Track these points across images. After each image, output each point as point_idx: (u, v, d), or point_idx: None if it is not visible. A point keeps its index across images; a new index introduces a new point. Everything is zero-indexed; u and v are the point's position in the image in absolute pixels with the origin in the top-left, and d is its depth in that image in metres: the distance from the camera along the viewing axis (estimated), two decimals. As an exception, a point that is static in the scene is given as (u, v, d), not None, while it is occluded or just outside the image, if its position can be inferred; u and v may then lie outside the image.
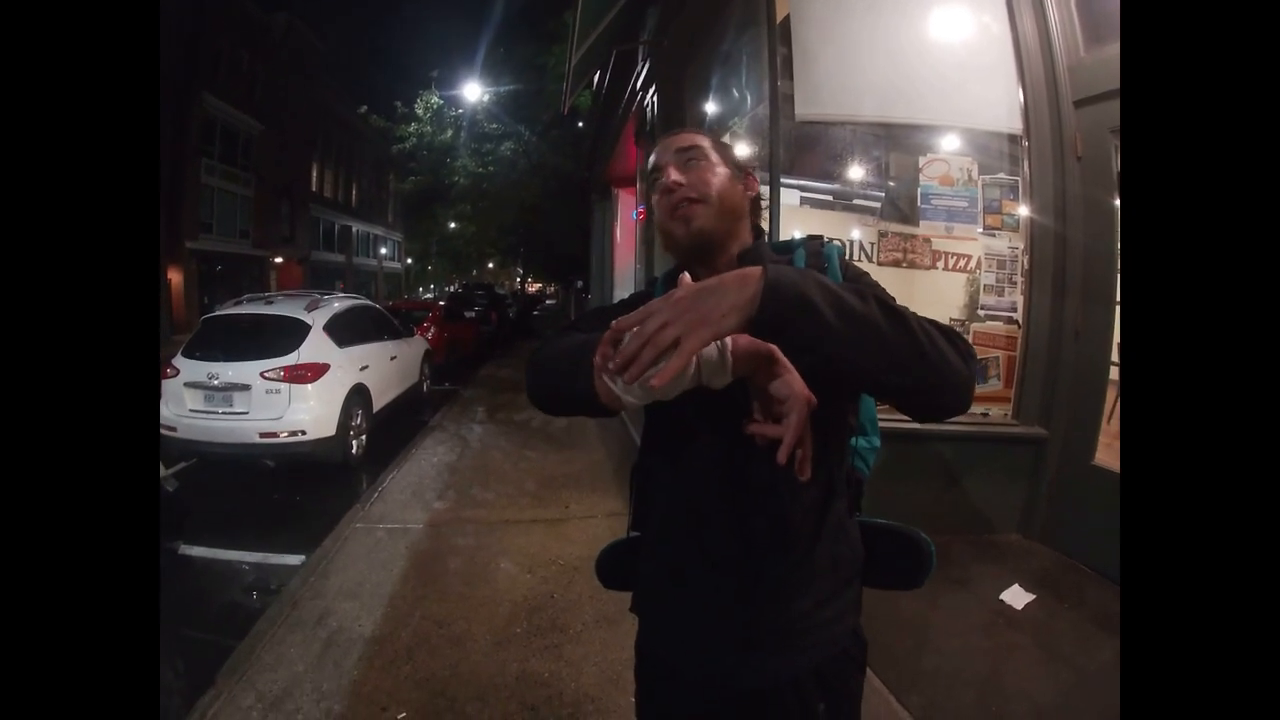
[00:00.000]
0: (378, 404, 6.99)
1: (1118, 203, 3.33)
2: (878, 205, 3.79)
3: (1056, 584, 3.15)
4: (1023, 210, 3.67)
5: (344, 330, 6.51)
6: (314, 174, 34.27)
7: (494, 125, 20.56)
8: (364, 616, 3.17)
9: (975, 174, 3.68)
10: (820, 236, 1.21)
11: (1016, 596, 3.01)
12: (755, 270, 0.83)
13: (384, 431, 7.02)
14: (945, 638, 2.74)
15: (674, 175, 1.10)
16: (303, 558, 3.99)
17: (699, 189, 1.08)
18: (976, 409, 3.71)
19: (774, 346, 0.83)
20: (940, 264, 3.70)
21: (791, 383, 0.84)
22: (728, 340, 0.82)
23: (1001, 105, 3.66)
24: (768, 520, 1.06)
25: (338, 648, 2.90)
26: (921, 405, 0.93)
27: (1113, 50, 3.29)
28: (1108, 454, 3.43)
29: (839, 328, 0.82)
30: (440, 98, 21.63)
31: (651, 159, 1.15)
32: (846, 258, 1.20)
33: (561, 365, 0.97)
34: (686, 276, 0.86)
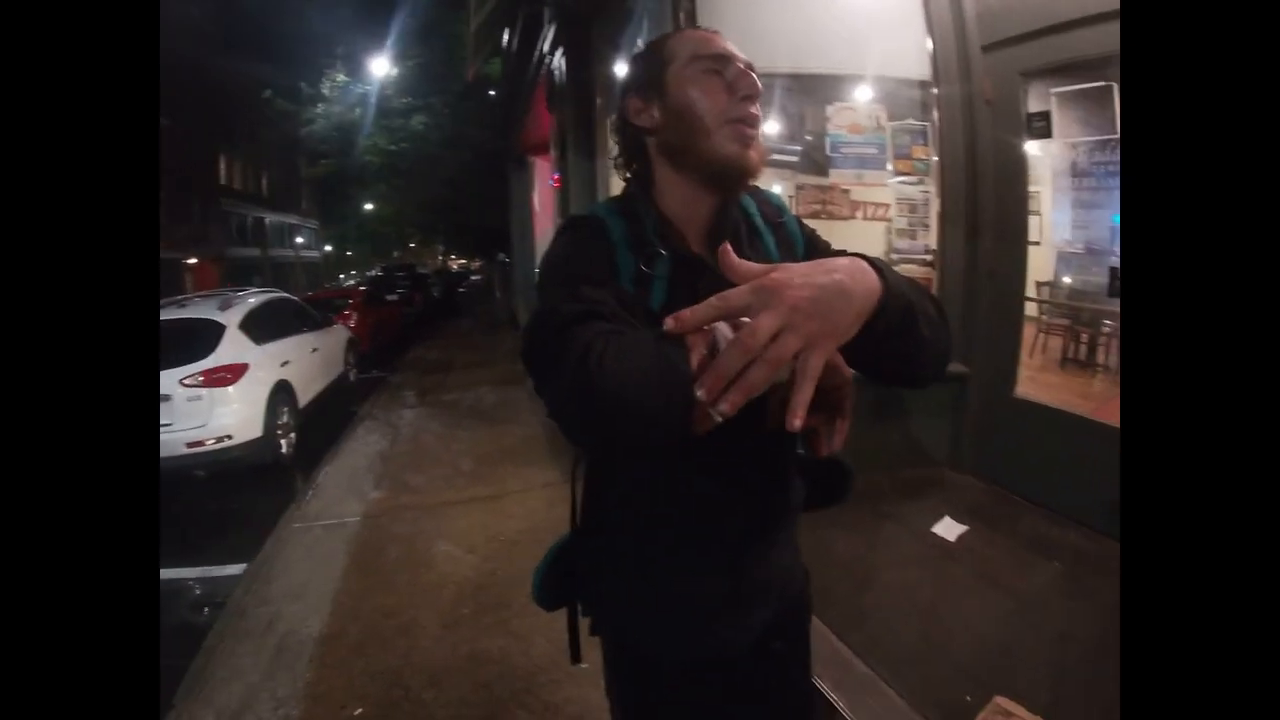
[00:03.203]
0: (303, 399, 6.78)
1: (1028, 145, 3.43)
2: (795, 159, 3.81)
3: (988, 513, 3.27)
4: (933, 155, 3.75)
5: (261, 327, 6.25)
6: (221, 167, 32.40)
7: (404, 99, 19.86)
8: (312, 617, 3.12)
9: (884, 120, 3.74)
10: (757, 186, 1.10)
11: (949, 528, 3.10)
12: (866, 267, 0.72)
13: (313, 426, 6.82)
14: (882, 574, 2.82)
15: (758, 89, 0.93)
16: (245, 565, 3.87)
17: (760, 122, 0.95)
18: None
19: None
20: (860, 214, 3.76)
21: (845, 372, 0.81)
22: None
23: (911, 53, 3.70)
24: (761, 499, 1.04)
25: (289, 652, 2.85)
26: (910, 381, 0.92)
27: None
28: (1030, 386, 3.58)
29: (928, 338, 0.77)
30: (346, 75, 20.75)
31: (712, 46, 0.96)
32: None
33: (646, 392, 0.68)
34: (729, 249, 0.72)
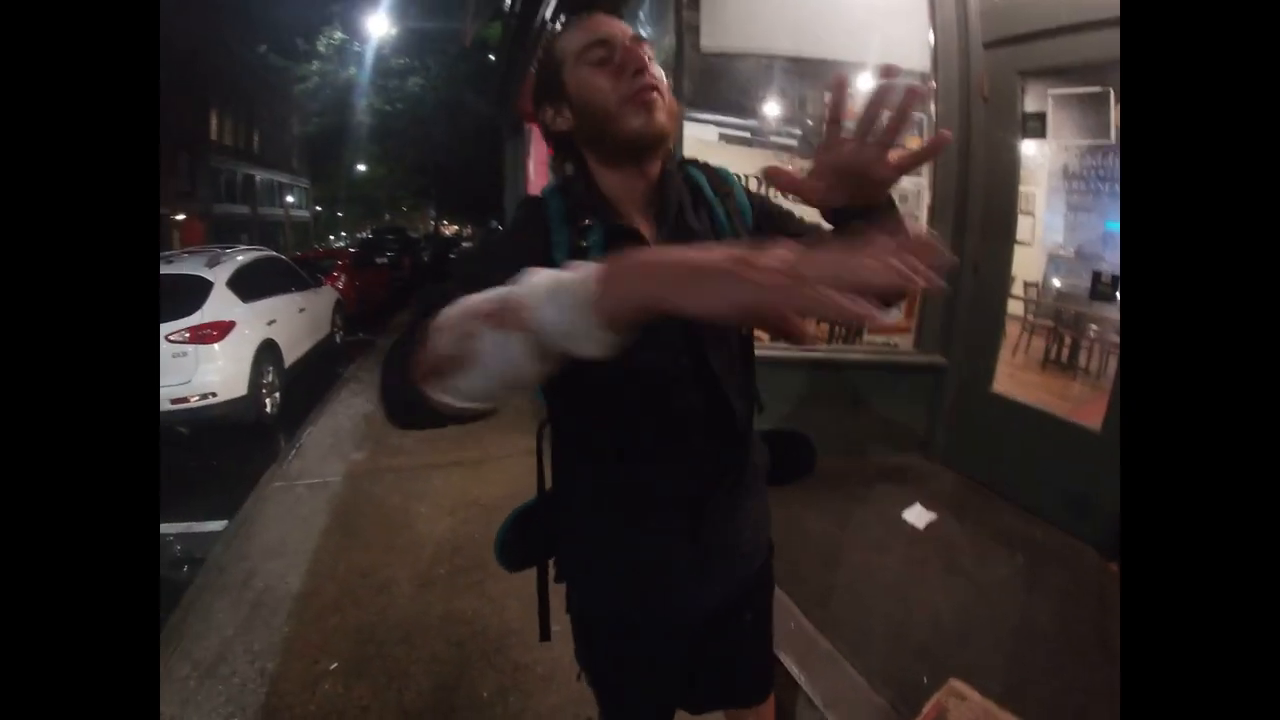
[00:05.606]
0: (289, 359, 6.74)
1: (1022, 143, 3.44)
2: (795, 142, 3.82)
3: (957, 503, 3.33)
4: (928, 148, 3.75)
5: (248, 285, 6.19)
6: (213, 122, 31.61)
7: (400, 60, 19.57)
8: (290, 574, 3.15)
9: (882, 110, 3.74)
10: (707, 163, 1.16)
11: (919, 515, 3.15)
12: None
13: (298, 387, 6.80)
14: (850, 555, 2.86)
15: (645, 60, 0.96)
16: (225, 523, 3.88)
17: (661, 84, 0.97)
18: (881, 338, 3.89)
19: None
20: (855, 201, 3.76)
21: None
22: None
23: (912, 45, 3.69)
24: (714, 463, 1.06)
25: (266, 607, 2.89)
26: None
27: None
28: (1007, 384, 3.61)
29: None
30: (343, 32, 20.40)
31: (593, 33, 0.97)
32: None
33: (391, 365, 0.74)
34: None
